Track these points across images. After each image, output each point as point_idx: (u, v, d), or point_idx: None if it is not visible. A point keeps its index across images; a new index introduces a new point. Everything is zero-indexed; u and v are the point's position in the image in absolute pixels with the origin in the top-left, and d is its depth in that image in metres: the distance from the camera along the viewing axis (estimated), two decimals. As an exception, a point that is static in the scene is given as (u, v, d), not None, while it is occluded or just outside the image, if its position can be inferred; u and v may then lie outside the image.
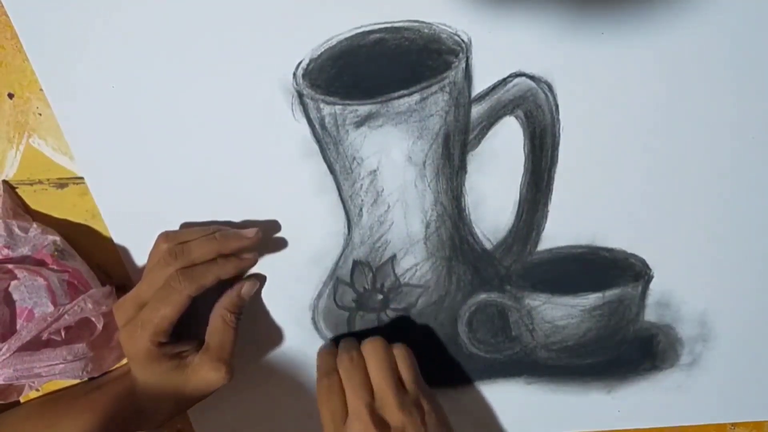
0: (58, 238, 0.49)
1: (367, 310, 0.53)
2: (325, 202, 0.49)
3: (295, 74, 0.44)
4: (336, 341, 0.53)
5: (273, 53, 0.43)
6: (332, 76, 0.43)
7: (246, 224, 0.50)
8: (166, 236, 0.47)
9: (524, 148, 0.46)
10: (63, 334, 0.48)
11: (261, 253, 0.50)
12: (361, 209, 0.49)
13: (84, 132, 0.47)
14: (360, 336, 0.51)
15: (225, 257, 0.47)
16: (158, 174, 0.48)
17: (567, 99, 0.43)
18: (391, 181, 0.47)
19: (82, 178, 0.49)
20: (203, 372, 0.48)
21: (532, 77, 0.43)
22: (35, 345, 0.46)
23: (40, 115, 0.48)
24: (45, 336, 0.47)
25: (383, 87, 0.43)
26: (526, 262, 0.50)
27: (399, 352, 0.48)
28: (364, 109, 0.44)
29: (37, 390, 0.56)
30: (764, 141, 0.45)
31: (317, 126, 0.45)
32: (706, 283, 0.50)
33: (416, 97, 0.43)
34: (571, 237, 0.49)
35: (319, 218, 0.49)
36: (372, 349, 0.48)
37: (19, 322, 0.47)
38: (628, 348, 0.53)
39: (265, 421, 0.59)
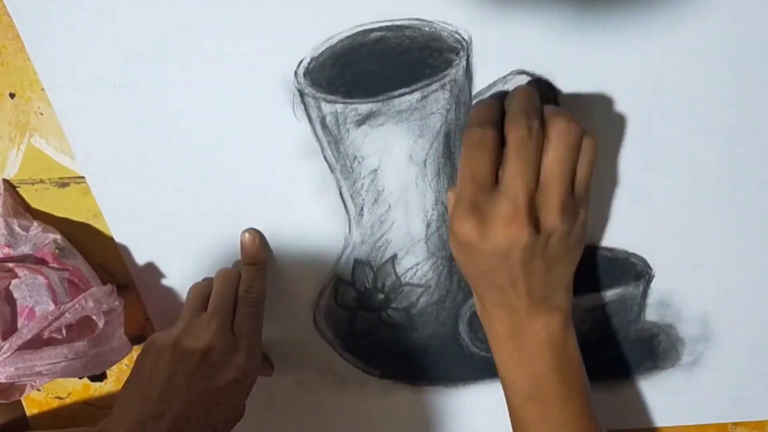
0: (59, 237, 0.50)
1: (368, 310, 0.53)
2: (326, 202, 0.49)
3: (296, 73, 0.44)
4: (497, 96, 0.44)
5: (274, 52, 0.43)
6: (333, 75, 0.43)
7: (247, 223, 0.50)
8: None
9: (525, 146, 0.46)
10: (64, 332, 0.48)
11: (262, 253, 0.51)
12: (362, 208, 0.49)
13: (85, 131, 0.47)
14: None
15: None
16: (159, 173, 0.48)
17: (567, 97, 0.43)
18: (392, 180, 0.47)
19: (83, 177, 0.49)
20: None
21: (532, 75, 0.43)
22: (36, 343, 0.46)
23: (42, 114, 0.48)
24: (46, 334, 0.47)
25: (384, 85, 0.43)
26: (527, 262, 0.50)
27: (589, 143, 0.39)
28: (365, 107, 0.44)
29: (39, 390, 0.56)
30: (765, 141, 0.45)
31: (318, 125, 0.45)
32: (708, 282, 0.50)
33: (417, 95, 0.43)
34: (572, 236, 0.49)
35: (320, 217, 0.49)
36: (564, 131, 0.37)
37: (20, 321, 0.47)
38: (629, 348, 0.53)
39: (266, 420, 0.59)
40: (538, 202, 0.38)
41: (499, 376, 0.46)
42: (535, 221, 0.38)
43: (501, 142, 0.39)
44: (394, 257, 0.50)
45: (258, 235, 0.50)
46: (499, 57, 0.42)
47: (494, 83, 0.43)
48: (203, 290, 0.50)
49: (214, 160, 0.47)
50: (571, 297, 0.44)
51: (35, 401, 0.60)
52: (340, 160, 0.47)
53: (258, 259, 0.50)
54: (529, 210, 0.38)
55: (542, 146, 0.38)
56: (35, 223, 0.49)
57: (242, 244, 0.50)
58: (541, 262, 0.40)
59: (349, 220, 0.49)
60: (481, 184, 0.38)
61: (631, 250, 0.49)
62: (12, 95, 0.47)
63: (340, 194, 0.48)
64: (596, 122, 0.44)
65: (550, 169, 0.38)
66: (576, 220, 0.40)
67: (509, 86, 0.43)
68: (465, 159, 0.39)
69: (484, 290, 0.44)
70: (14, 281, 0.47)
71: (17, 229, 0.48)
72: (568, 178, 0.38)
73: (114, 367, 0.56)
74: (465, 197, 0.39)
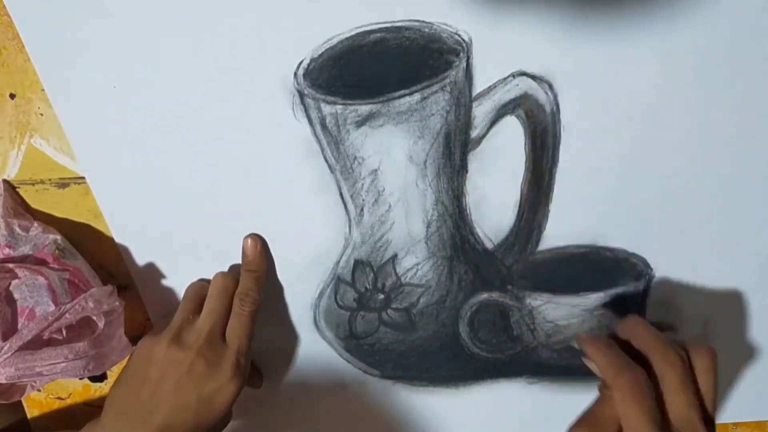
0: (59, 237, 0.50)
1: (369, 310, 0.53)
2: (326, 202, 0.49)
3: (296, 74, 0.44)
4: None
5: (274, 53, 0.43)
6: (333, 76, 0.43)
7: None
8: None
9: (525, 147, 0.46)
10: (64, 333, 0.48)
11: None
12: (362, 209, 0.49)
13: (85, 132, 0.47)
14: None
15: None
16: (159, 173, 0.48)
17: (568, 98, 0.43)
18: (392, 180, 0.47)
19: (83, 178, 0.49)
20: None
21: (532, 76, 0.43)
22: (36, 344, 0.46)
23: (42, 115, 0.48)
24: (46, 335, 0.47)
25: (384, 86, 0.43)
26: (528, 262, 0.50)
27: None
28: (364, 108, 0.44)
29: (39, 390, 0.56)
30: (765, 140, 0.45)
31: (318, 126, 0.45)
32: (708, 282, 0.50)
33: (417, 96, 0.43)
34: (572, 236, 0.49)
35: (320, 218, 0.49)
36: (711, 363, 0.40)
37: (21, 321, 0.47)
38: (629, 348, 0.53)
39: (266, 420, 0.59)
40: None
41: None
42: None
43: None
44: (394, 257, 0.50)
45: (260, 242, 0.50)
46: (499, 58, 0.42)
47: (494, 84, 0.43)
48: (199, 292, 0.50)
49: (214, 160, 0.47)
50: None
51: (35, 402, 0.60)
52: (340, 161, 0.47)
53: (257, 266, 0.50)
54: None
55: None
56: (35, 224, 0.49)
57: (243, 249, 0.50)
58: None
59: (350, 220, 0.49)
60: (661, 426, 0.39)
61: (631, 251, 0.49)
62: (12, 96, 0.47)
63: (340, 195, 0.48)
64: (596, 123, 0.44)
65: (709, 398, 0.40)
66: None
67: (509, 88, 0.43)
68: (638, 404, 0.39)
69: None
70: (14, 282, 0.47)
71: (17, 229, 0.48)
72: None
73: (114, 368, 0.56)
74: None
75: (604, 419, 0.41)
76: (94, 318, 0.49)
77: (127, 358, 0.53)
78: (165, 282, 0.53)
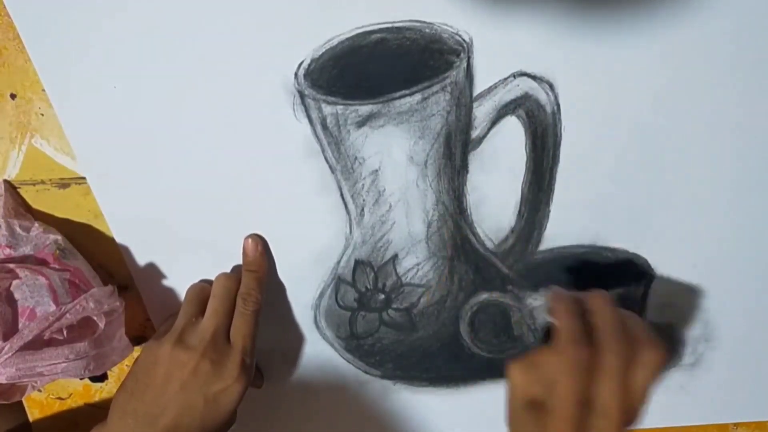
0: (59, 237, 0.50)
1: (369, 310, 0.53)
2: (327, 202, 0.49)
3: (296, 74, 0.44)
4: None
5: (274, 53, 0.43)
6: (334, 76, 0.43)
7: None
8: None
9: (526, 147, 0.46)
10: (65, 333, 0.48)
11: (263, 253, 0.51)
12: (362, 209, 0.49)
13: (86, 132, 0.47)
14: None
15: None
16: (160, 174, 0.48)
17: (568, 98, 0.43)
18: (392, 180, 0.47)
19: (84, 178, 0.49)
20: None
21: (533, 77, 0.43)
22: (37, 344, 0.46)
23: (42, 115, 0.48)
24: (47, 335, 0.47)
25: (384, 87, 0.43)
26: (528, 262, 0.50)
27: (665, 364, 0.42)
28: (365, 109, 0.44)
29: (39, 390, 0.56)
30: (766, 140, 0.45)
31: (319, 126, 0.45)
32: (708, 282, 0.50)
33: (418, 96, 0.43)
34: (573, 237, 0.49)
35: (321, 218, 0.49)
36: (654, 362, 0.41)
37: (21, 322, 0.47)
38: (630, 348, 0.53)
39: (267, 421, 0.59)
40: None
41: None
42: None
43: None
44: (394, 257, 0.50)
45: (261, 242, 0.50)
46: (499, 59, 0.42)
47: (495, 85, 0.43)
48: (201, 293, 0.50)
49: (215, 160, 0.47)
50: None
51: (36, 402, 0.60)
52: (341, 161, 0.47)
53: (259, 266, 0.50)
54: (619, 427, 0.40)
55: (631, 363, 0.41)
56: (36, 224, 0.49)
57: (244, 249, 0.50)
58: None
59: (350, 220, 0.49)
60: (584, 406, 0.41)
61: (632, 251, 0.49)
62: (13, 96, 0.47)
63: (341, 195, 0.48)
64: (597, 123, 0.44)
65: (639, 392, 0.41)
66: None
67: (510, 88, 0.43)
68: (570, 380, 0.41)
69: None
70: (15, 282, 0.47)
71: (18, 230, 0.48)
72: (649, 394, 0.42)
73: (115, 368, 0.56)
74: (570, 419, 0.41)
75: (543, 370, 0.42)
76: (95, 318, 0.49)
77: (127, 360, 0.53)
78: (165, 282, 0.53)
